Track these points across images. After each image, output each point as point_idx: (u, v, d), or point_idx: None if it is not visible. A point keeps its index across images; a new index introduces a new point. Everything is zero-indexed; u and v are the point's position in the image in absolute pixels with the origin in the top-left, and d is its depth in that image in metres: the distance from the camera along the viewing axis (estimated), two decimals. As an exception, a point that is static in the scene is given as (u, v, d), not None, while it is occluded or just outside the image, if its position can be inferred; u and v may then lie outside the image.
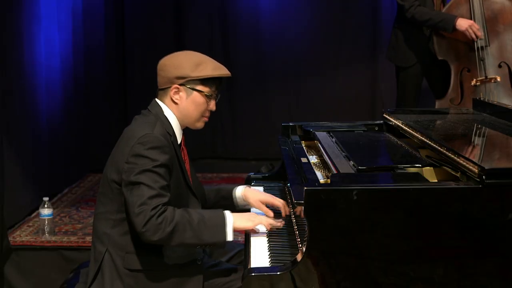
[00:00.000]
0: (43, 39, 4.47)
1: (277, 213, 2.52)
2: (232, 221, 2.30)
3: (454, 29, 4.24)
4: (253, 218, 2.38)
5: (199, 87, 2.42)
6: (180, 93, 2.42)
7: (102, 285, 2.37)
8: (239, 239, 3.12)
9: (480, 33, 4.23)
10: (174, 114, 2.44)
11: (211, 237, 2.26)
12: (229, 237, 2.28)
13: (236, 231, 2.33)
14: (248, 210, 2.64)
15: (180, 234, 2.22)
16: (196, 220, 2.25)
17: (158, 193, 2.23)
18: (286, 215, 2.53)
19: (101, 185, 2.45)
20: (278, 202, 2.55)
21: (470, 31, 4.21)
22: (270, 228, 2.38)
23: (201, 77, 2.40)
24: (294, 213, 2.55)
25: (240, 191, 2.66)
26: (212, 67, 2.42)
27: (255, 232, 2.41)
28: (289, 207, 2.58)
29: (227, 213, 2.33)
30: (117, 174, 2.33)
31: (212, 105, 2.47)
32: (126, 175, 2.28)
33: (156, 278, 2.35)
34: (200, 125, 2.50)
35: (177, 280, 2.36)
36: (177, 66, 2.40)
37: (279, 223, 2.40)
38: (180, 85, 2.40)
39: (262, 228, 2.40)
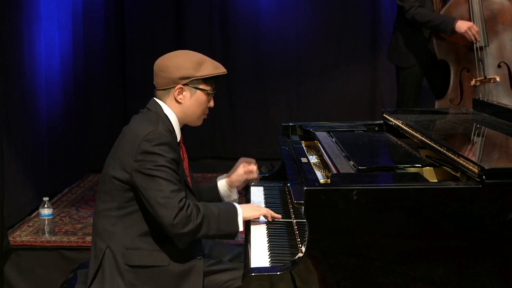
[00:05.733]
0: (43, 39, 4.46)
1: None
2: (242, 212, 2.43)
3: (454, 31, 4.25)
4: (257, 208, 2.51)
5: (202, 86, 2.47)
6: (184, 93, 2.46)
7: (102, 282, 2.38)
8: (239, 239, 3.12)
9: (479, 36, 4.23)
10: (174, 113, 2.48)
11: (227, 228, 2.39)
12: (241, 227, 2.41)
13: (245, 219, 2.46)
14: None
15: (206, 226, 2.33)
16: (216, 212, 2.37)
17: (179, 187, 2.32)
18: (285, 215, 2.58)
19: (101, 183, 2.47)
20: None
21: (469, 33, 4.22)
22: (272, 219, 2.50)
23: (205, 76, 2.45)
24: (294, 213, 2.55)
25: (223, 183, 2.79)
26: (212, 66, 2.48)
27: (258, 222, 2.52)
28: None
29: (236, 204, 2.46)
30: (121, 171, 2.36)
31: (212, 102, 2.54)
32: (137, 172, 2.32)
33: (157, 274, 2.37)
34: (200, 122, 2.57)
35: (178, 275, 2.38)
36: (180, 67, 2.44)
37: (279, 215, 2.52)
38: (184, 85, 2.44)
39: (263, 219, 2.53)
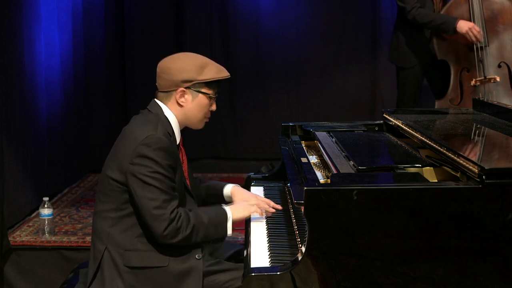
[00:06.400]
0: (43, 39, 4.46)
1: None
2: (231, 215, 2.44)
3: (455, 31, 4.25)
4: (247, 207, 2.52)
5: (204, 90, 2.46)
6: (186, 96, 2.46)
7: (102, 283, 2.38)
8: (239, 239, 3.12)
9: (481, 36, 4.23)
10: (175, 115, 2.47)
11: (216, 233, 2.42)
12: (229, 231, 2.44)
13: (235, 222, 2.47)
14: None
15: (196, 235, 2.35)
16: (206, 220, 2.38)
17: (172, 197, 2.32)
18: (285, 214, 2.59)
19: (99, 183, 2.47)
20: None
21: (471, 33, 4.21)
22: (263, 214, 2.55)
23: (207, 80, 2.45)
24: (294, 213, 2.55)
25: (228, 191, 2.75)
26: (215, 70, 2.47)
27: (258, 221, 2.54)
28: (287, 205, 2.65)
29: (226, 208, 2.46)
30: (119, 173, 2.36)
31: (214, 106, 2.54)
32: (132, 176, 2.31)
33: (156, 275, 2.37)
34: (202, 125, 2.56)
35: (177, 276, 2.38)
36: (182, 70, 2.43)
37: (272, 209, 2.56)
38: (186, 88, 2.43)
39: (256, 216, 2.56)
